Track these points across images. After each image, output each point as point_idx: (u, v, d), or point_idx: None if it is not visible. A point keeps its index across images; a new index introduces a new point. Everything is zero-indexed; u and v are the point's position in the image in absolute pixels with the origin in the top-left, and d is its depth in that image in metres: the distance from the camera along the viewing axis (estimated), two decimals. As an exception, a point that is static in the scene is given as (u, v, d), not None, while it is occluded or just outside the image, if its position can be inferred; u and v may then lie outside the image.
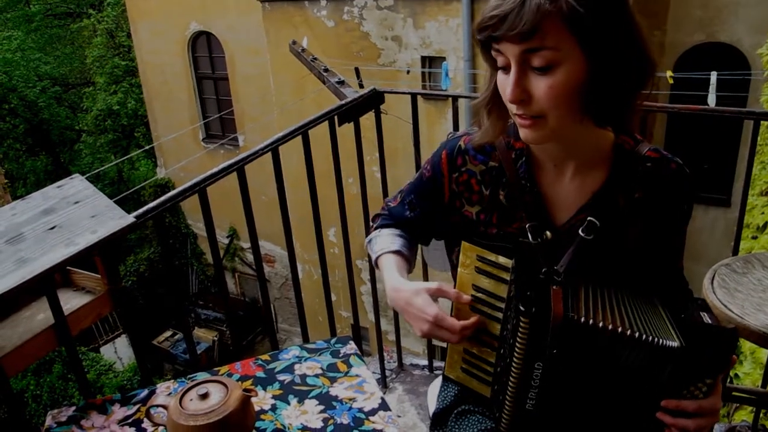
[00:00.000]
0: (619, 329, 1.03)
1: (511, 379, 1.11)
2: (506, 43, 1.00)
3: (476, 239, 1.17)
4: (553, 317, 1.04)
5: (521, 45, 0.98)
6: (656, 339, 1.01)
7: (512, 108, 1.06)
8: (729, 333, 1.03)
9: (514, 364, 1.10)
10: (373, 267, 2.70)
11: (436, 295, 1.19)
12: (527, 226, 1.18)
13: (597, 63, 1.00)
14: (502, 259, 1.12)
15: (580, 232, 1.14)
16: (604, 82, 1.01)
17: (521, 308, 1.05)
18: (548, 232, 1.17)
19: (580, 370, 1.07)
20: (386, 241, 1.37)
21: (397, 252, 1.34)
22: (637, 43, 1.02)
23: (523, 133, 1.09)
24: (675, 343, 1.01)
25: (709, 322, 1.06)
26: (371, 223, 1.47)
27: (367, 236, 1.44)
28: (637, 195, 1.15)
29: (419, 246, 1.47)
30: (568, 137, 1.11)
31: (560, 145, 1.14)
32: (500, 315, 1.15)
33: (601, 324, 1.03)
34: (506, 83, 1.04)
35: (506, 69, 1.04)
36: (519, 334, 1.07)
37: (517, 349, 1.08)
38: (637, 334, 1.02)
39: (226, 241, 12.40)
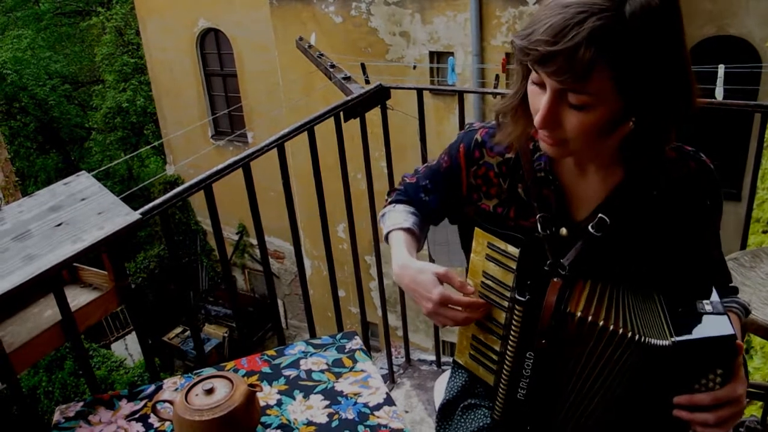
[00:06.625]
0: (611, 327, 1.02)
1: (505, 366, 1.13)
2: (547, 75, 0.97)
3: (489, 226, 1.17)
4: (545, 308, 1.06)
5: (562, 85, 0.97)
6: (646, 339, 1.01)
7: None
8: (724, 321, 1.01)
9: (508, 352, 1.12)
10: (381, 261, 2.72)
11: (442, 280, 1.19)
12: (537, 216, 1.17)
13: (634, 106, 0.99)
14: (511, 248, 1.12)
15: (589, 228, 1.13)
16: (640, 124, 1.01)
17: (517, 296, 1.07)
18: (564, 229, 1.17)
19: (572, 364, 1.08)
20: (399, 217, 1.37)
21: (408, 230, 1.35)
22: (682, 88, 1.00)
23: (544, 147, 1.09)
24: (666, 342, 1.00)
25: (709, 310, 1.04)
26: (386, 197, 1.48)
27: (380, 211, 1.46)
28: (654, 194, 1.13)
29: (425, 242, 1.47)
30: (590, 150, 1.10)
31: (581, 153, 1.12)
32: (507, 303, 1.16)
33: (590, 319, 1.03)
34: (537, 101, 1.03)
35: (540, 86, 1.02)
36: (513, 322, 1.09)
37: (511, 337, 1.10)
38: (629, 334, 1.01)
39: (236, 237, 12.43)
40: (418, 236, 1.38)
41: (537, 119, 1.02)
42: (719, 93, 5.36)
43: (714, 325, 1.01)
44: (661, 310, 1.08)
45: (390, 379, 2.90)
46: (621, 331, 1.02)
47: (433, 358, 3.07)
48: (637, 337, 1.01)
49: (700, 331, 1.01)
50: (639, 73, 0.94)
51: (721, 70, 5.36)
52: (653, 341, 1.00)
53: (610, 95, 0.96)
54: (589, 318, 1.04)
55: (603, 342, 1.04)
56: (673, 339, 1.00)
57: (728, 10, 6.85)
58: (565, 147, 1.05)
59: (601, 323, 1.03)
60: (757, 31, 6.68)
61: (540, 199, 1.18)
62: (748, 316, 1.24)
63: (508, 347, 1.11)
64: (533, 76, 1.02)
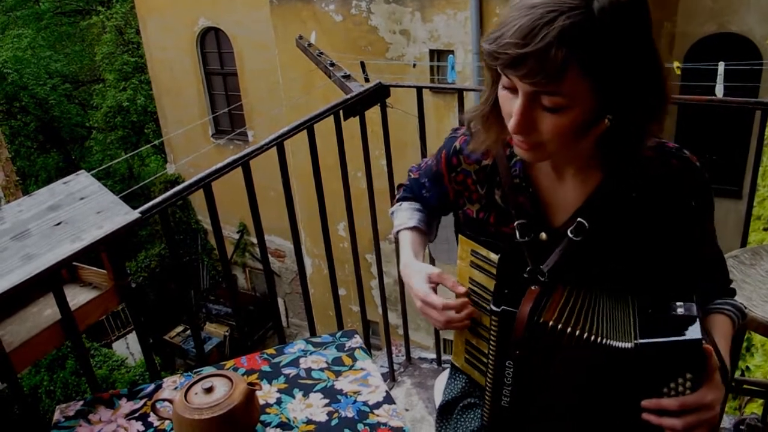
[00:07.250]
0: (577, 332, 1.01)
1: (488, 374, 1.13)
2: (519, 79, 0.96)
3: (472, 233, 1.18)
4: (518, 319, 1.05)
5: (535, 87, 0.95)
6: (607, 341, 1.00)
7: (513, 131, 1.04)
8: (693, 325, 0.99)
9: (490, 361, 1.11)
10: (381, 259, 2.72)
11: (436, 282, 1.22)
12: (516, 223, 1.17)
13: (607, 104, 0.98)
14: (492, 255, 1.13)
15: (568, 233, 1.12)
16: (615, 122, 1.00)
17: (492, 307, 1.07)
18: (543, 234, 1.16)
19: (550, 371, 1.07)
20: (405, 215, 1.42)
21: (413, 228, 1.39)
22: (654, 84, 0.98)
23: (519, 152, 1.07)
24: (628, 344, 0.99)
25: (681, 313, 1.01)
26: (396, 192, 1.53)
27: (390, 209, 1.50)
28: (633, 195, 1.10)
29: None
30: (566, 152, 1.08)
31: (557, 156, 1.10)
32: None
33: (560, 327, 1.03)
34: (510, 105, 1.01)
35: (511, 90, 1.00)
36: (492, 331, 1.08)
37: (491, 346, 1.10)
38: (592, 337, 1.01)
39: (237, 236, 12.43)
40: (425, 232, 1.42)
41: (511, 125, 1.01)
42: (719, 90, 5.35)
43: (682, 329, 0.99)
44: (632, 312, 1.06)
45: (390, 377, 2.90)
46: (585, 335, 1.01)
47: (433, 356, 3.07)
48: (599, 339, 1.00)
49: (665, 335, 0.99)
50: (611, 69, 0.93)
51: (721, 67, 5.35)
52: (614, 343, 0.99)
53: (584, 94, 0.95)
54: (559, 326, 1.03)
55: (571, 347, 1.03)
56: (635, 341, 0.98)
57: (729, 7, 6.84)
58: (541, 151, 1.04)
59: (569, 329, 1.02)
60: (758, 29, 6.68)
61: (517, 205, 1.18)
62: (745, 318, 1.23)
63: (490, 356, 1.11)
64: (504, 80, 1.01)
